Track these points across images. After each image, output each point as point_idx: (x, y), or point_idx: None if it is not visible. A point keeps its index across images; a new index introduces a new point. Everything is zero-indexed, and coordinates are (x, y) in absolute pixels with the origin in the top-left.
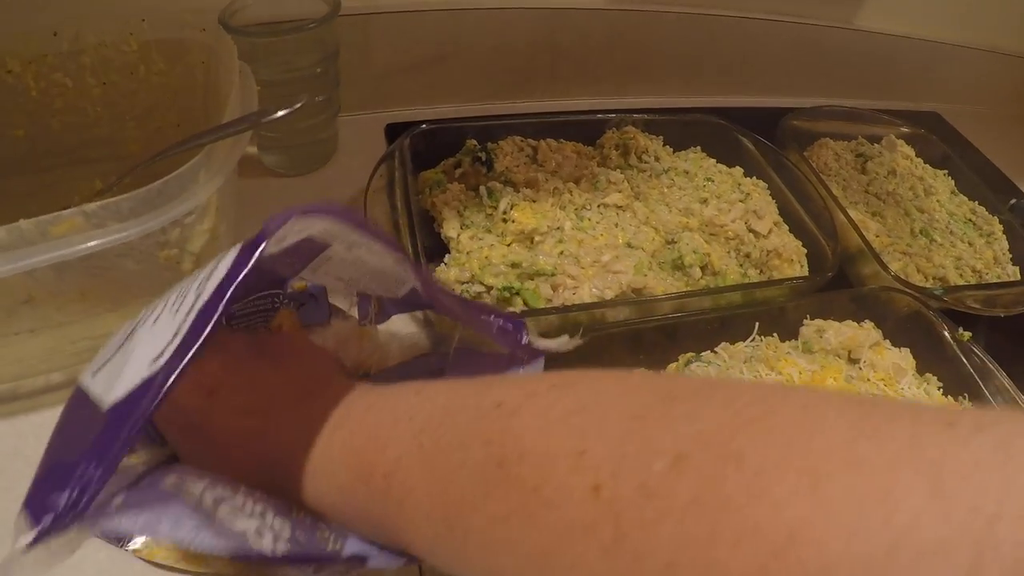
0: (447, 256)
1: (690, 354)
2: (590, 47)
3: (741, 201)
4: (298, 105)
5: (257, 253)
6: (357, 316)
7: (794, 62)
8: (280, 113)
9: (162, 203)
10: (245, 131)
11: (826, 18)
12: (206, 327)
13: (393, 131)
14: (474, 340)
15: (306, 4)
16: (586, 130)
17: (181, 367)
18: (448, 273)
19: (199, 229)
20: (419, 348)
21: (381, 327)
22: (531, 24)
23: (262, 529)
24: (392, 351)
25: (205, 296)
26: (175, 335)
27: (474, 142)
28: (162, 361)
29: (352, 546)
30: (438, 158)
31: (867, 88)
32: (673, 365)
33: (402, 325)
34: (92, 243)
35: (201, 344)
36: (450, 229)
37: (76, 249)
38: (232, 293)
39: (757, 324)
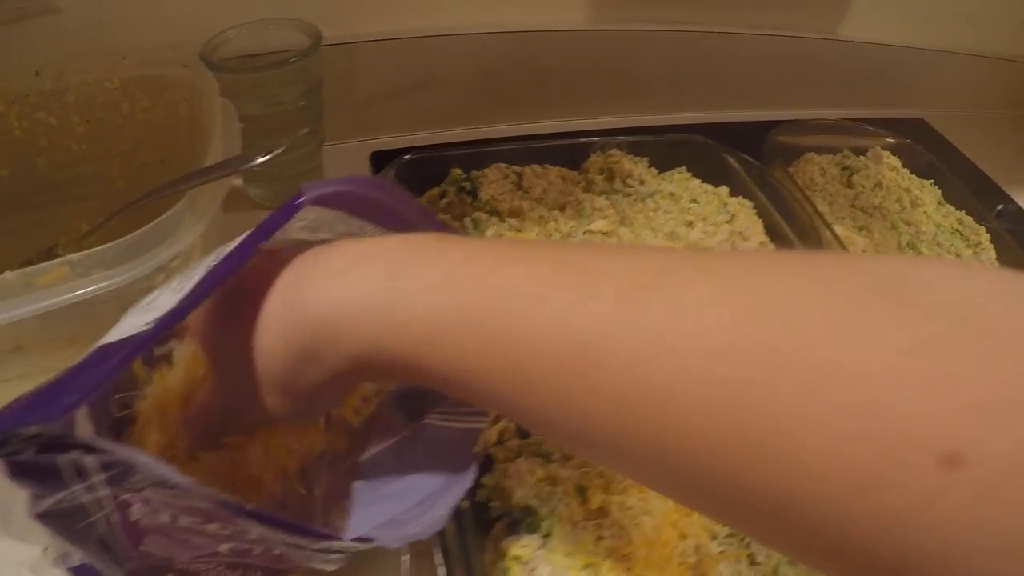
0: None
1: None
2: (574, 68)
3: (727, 223)
4: (279, 151)
5: (292, 210)
6: None
7: (780, 75)
8: (260, 159)
9: (146, 249)
10: (226, 176)
11: (811, 29)
12: (212, 285)
13: (378, 159)
14: None
15: (288, 35)
16: (571, 154)
17: (168, 320)
18: None
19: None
20: None
21: None
22: (514, 47)
23: None
24: None
25: (201, 270)
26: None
27: (459, 171)
28: (159, 315)
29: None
30: (424, 187)
31: (853, 98)
32: None
33: None
34: (77, 292)
35: (194, 303)
36: None
37: (61, 299)
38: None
39: None
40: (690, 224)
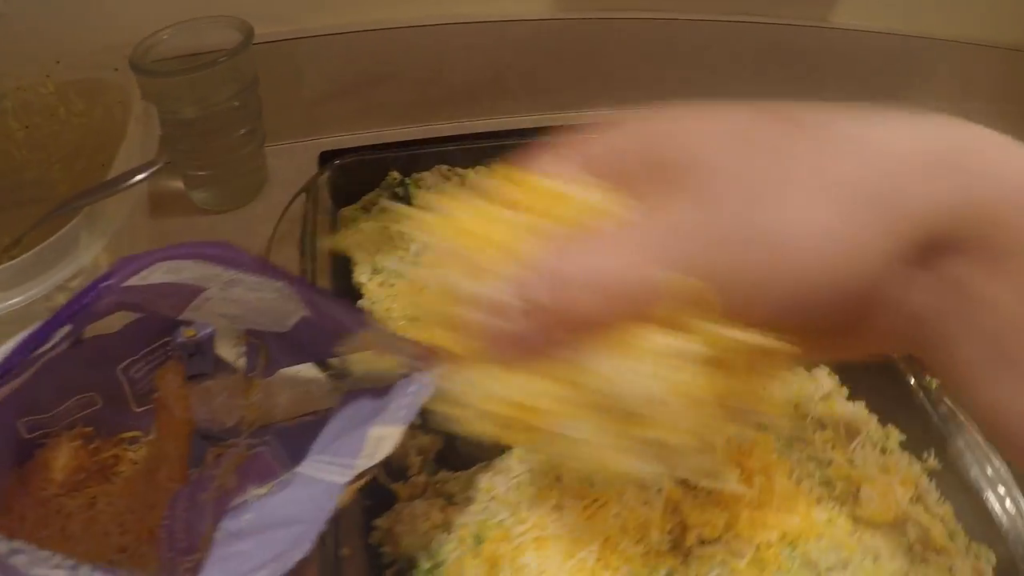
0: (359, 304)
1: None
2: (537, 60)
3: None
4: (155, 168)
5: (91, 294)
6: (245, 368)
7: (765, 66)
8: (138, 178)
9: (40, 271)
10: (109, 195)
11: (798, 17)
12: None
13: (327, 158)
14: (366, 378)
15: (224, 34)
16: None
17: None
18: None
19: None
20: (306, 406)
21: (269, 380)
22: (471, 39)
23: None
24: (279, 407)
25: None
26: None
27: (396, 174)
28: None
29: None
30: (365, 190)
31: (848, 91)
32: None
33: (291, 378)
34: None
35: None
36: (360, 274)
37: None
38: (41, 336)
39: None
40: None
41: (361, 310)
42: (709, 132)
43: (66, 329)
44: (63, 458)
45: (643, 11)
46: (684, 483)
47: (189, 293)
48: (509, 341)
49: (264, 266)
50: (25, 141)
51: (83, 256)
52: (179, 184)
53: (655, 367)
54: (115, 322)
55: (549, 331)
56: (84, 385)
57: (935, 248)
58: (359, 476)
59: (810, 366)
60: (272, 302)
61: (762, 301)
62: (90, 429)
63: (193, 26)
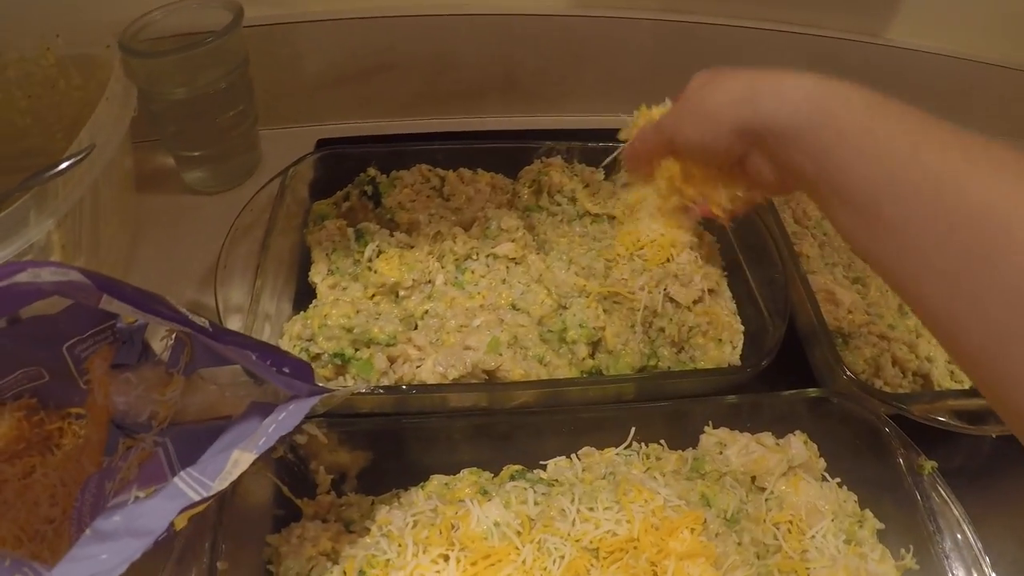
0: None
1: (514, 467)
2: (549, 58)
3: (665, 261)
4: (84, 155)
5: None
6: (167, 362)
7: None
8: (64, 165)
9: None
10: (43, 182)
11: (852, 30)
12: None
13: (325, 146)
14: (276, 393)
15: (215, 15)
16: (515, 157)
17: None
18: (293, 328)
19: None
20: (219, 409)
21: (190, 378)
22: (480, 32)
23: None
24: (193, 407)
25: None
26: None
27: (371, 171)
28: None
29: None
30: (338, 186)
31: None
32: (501, 474)
33: (208, 379)
34: None
35: None
36: (315, 274)
37: None
38: None
39: (633, 430)
40: (612, 261)
41: (229, 336)
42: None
43: None
44: (5, 426)
45: (668, 12)
46: (594, 552)
47: (91, 291)
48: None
49: (118, 290)
50: (28, 110)
51: (32, 233)
52: (171, 163)
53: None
54: (55, 304)
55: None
56: (28, 359)
57: (750, 135)
58: (208, 499)
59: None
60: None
61: (689, 142)
62: (34, 400)
63: (185, 7)
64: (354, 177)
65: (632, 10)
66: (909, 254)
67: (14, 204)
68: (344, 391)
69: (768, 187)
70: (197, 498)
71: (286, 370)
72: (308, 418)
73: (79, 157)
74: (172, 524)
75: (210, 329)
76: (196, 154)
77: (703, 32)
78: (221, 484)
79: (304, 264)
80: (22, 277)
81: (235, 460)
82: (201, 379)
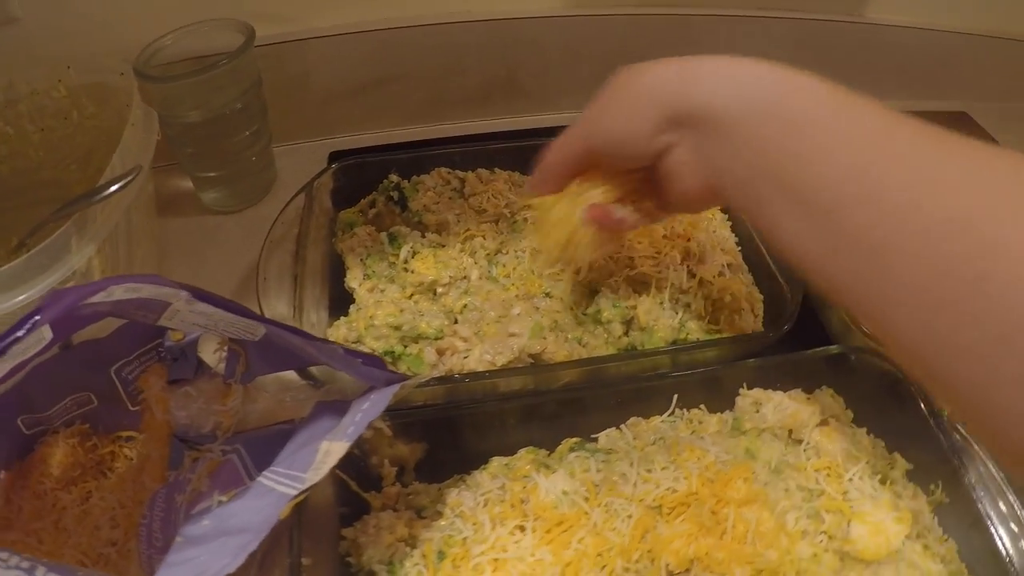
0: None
1: (573, 440)
2: (551, 59)
3: (686, 241)
4: (129, 180)
5: (20, 332)
6: (223, 373)
7: (795, 63)
8: (112, 189)
9: (33, 275)
10: (86, 207)
11: (830, 11)
12: None
13: (337, 159)
14: (340, 388)
15: (227, 36)
16: (530, 155)
17: None
18: (338, 332)
19: None
20: (281, 413)
21: (247, 386)
22: (481, 37)
23: None
24: (255, 414)
25: None
26: None
27: (393, 178)
28: None
29: None
30: (362, 194)
31: (882, 89)
32: (559, 448)
33: (268, 385)
34: None
35: None
36: (352, 279)
37: None
38: None
39: (675, 397)
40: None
41: (311, 337)
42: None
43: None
44: (60, 454)
45: (664, 7)
46: (657, 510)
47: (158, 306)
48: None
49: (203, 296)
50: (41, 143)
51: (75, 260)
52: (189, 185)
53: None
54: (104, 327)
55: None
56: (78, 385)
57: (679, 122)
58: (306, 490)
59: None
60: (232, 315)
61: (609, 135)
62: (87, 426)
63: (197, 30)
64: (374, 185)
65: (627, 7)
66: (873, 272)
67: (56, 231)
68: (417, 379)
69: (683, 197)
70: (293, 492)
71: (360, 361)
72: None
73: (126, 181)
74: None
75: (295, 329)
76: (213, 175)
77: (696, 24)
78: (316, 475)
79: (335, 272)
80: (100, 296)
81: (325, 451)
82: (258, 387)
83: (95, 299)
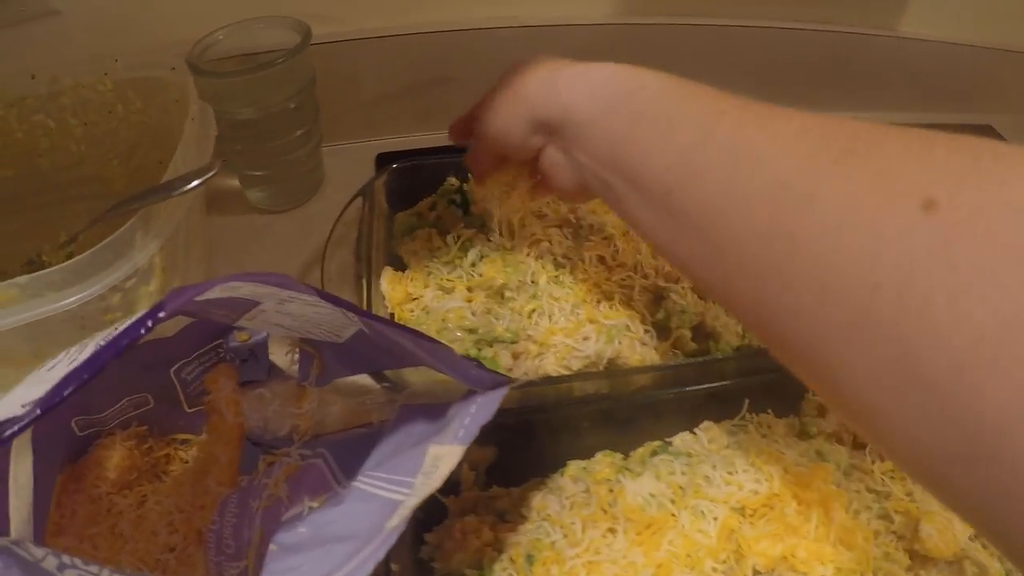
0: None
1: (655, 443)
2: None
3: None
4: (212, 173)
5: (143, 329)
6: (297, 376)
7: (829, 74)
8: (193, 184)
9: (96, 272)
10: (164, 198)
11: (865, 24)
12: (67, 388)
13: (384, 160)
14: (424, 392)
15: (280, 34)
16: None
17: (30, 420)
18: None
19: (143, 291)
20: (359, 417)
21: (322, 389)
22: (529, 43)
23: None
24: (331, 417)
25: (84, 356)
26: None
27: (453, 180)
28: (27, 408)
29: None
30: (419, 196)
31: (912, 101)
32: (639, 452)
33: (345, 388)
34: (28, 314)
35: (58, 402)
36: (414, 282)
37: (12, 320)
38: (103, 360)
39: (747, 401)
40: None
41: (424, 337)
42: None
43: None
44: (116, 457)
45: (706, 17)
46: (741, 511)
47: (244, 306)
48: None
49: (321, 295)
50: (84, 137)
51: (138, 257)
52: (235, 183)
53: None
54: (170, 327)
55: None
56: (136, 387)
57: (547, 126)
58: (424, 496)
59: None
60: (328, 315)
61: (489, 131)
62: (143, 428)
63: (250, 26)
64: (427, 187)
65: (669, 16)
66: (710, 248)
67: (118, 227)
68: (518, 382)
69: (561, 192)
70: (402, 497)
71: (474, 364)
72: None
73: (206, 177)
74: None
75: (408, 329)
76: (261, 173)
77: (736, 35)
78: (429, 480)
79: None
80: (214, 293)
81: (435, 455)
82: (333, 390)
83: (203, 297)
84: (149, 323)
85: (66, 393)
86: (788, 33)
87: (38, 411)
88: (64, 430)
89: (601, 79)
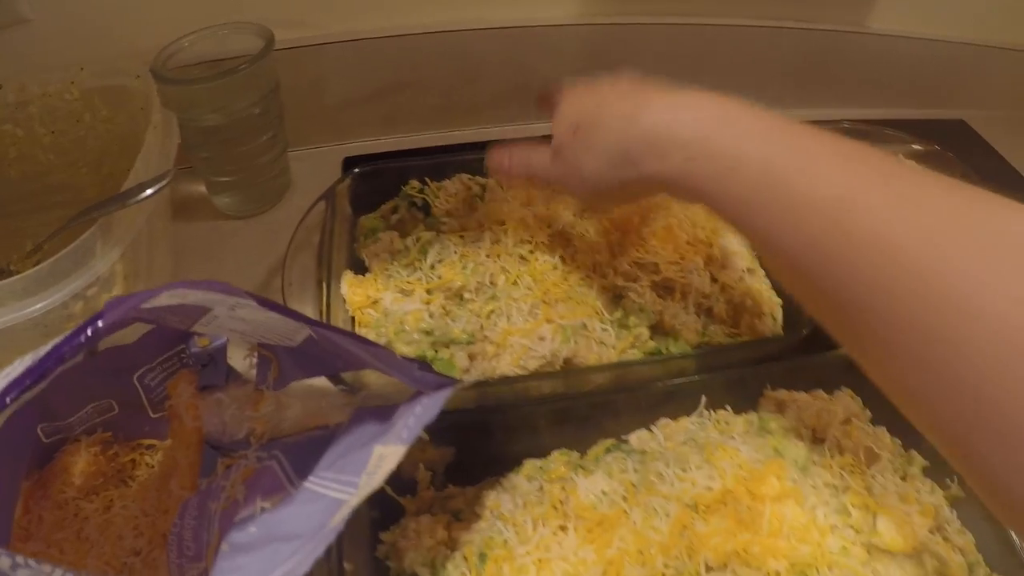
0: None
1: (609, 441)
2: (564, 67)
3: (709, 247)
4: (166, 181)
5: (83, 337)
6: (255, 380)
7: (801, 72)
8: (147, 193)
9: (57, 280)
10: (121, 207)
11: (835, 21)
12: (9, 395)
13: (351, 164)
14: (380, 394)
15: (245, 40)
16: None
17: None
18: (367, 336)
19: (105, 299)
20: (317, 419)
21: (279, 393)
22: (496, 45)
23: None
24: (289, 420)
25: (26, 363)
26: None
27: (415, 184)
28: None
29: None
30: (382, 200)
31: (884, 97)
32: (593, 450)
33: (302, 391)
34: None
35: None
36: (376, 285)
37: None
38: (44, 366)
39: (704, 399)
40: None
41: (368, 342)
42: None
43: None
44: (82, 462)
45: (673, 16)
46: (694, 508)
47: (196, 312)
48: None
49: (260, 302)
50: (51, 146)
51: (99, 265)
52: (202, 189)
53: None
54: (130, 333)
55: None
56: (100, 393)
57: (648, 188)
58: (365, 495)
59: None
60: (278, 321)
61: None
62: (108, 434)
63: (215, 33)
64: (392, 191)
65: (636, 15)
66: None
67: (78, 236)
68: (464, 382)
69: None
70: (346, 496)
71: (416, 366)
72: None
73: (161, 184)
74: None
75: (349, 333)
76: (228, 179)
77: (706, 33)
78: (372, 479)
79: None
80: (160, 300)
81: (379, 455)
82: (290, 394)
83: (148, 304)
84: (88, 332)
85: (8, 400)
86: (760, 31)
87: None
88: (30, 437)
89: (685, 141)
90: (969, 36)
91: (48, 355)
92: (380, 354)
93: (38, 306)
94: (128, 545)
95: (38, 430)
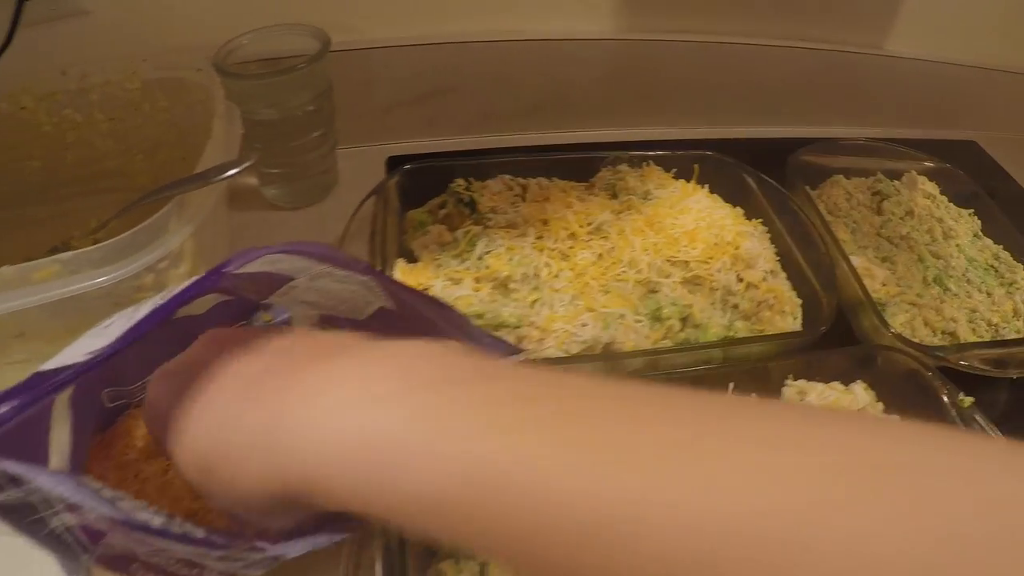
0: None
1: None
2: (596, 78)
3: (735, 249)
4: (248, 163)
5: (217, 279)
6: None
7: (819, 91)
8: (229, 173)
9: (132, 252)
10: (200, 187)
11: (855, 44)
12: (135, 335)
13: (394, 163)
14: None
15: (301, 41)
16: (583, 167)
17: (98, 360)
18: None
19: (174, 273)
20: None
21: None
22: (534, 56)
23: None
24: None
25: (145, 310)
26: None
27: (461, 182)
28: (91, 355)
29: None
30: (427, 196)
31: (899, 118)
32: None
33: None
34: (67, 290)
35: (122, 348)
36: (425, 274)
37: (53, 294)
38: (170, 308)
39: (732, 385)
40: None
41: (446, 305)
42: None
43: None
44: (143, 428)
45: (702, 34)
46: None
47: (278, 281)
48: None
49: (359, 265)
50: (109, 133)
51: (171, 241)
52: (253, 180)
53: None
54: (201, 304)
55: None
56: (164, 361)
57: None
58: None
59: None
60: (354, 292)
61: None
62: None
63: (273, 32)
64: (436, 188)
65: (666, 32)
66: None
67: (154, 213)
68: (526, 353)
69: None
70: None
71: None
72: None
73: (242, 167)
74: None
75: (436, 301)
76: (279, 172)
77: (731, 52)
78: None
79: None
80: (263, 262)
81: None
82: None
83: (243, 270)
84: (216, 277)
85: (144, 330)
86: (779, 51)
87: (105, 355)
88: (95, 401)
89: (338, 435)
90: (981, 60)
91: (174, 299)
92: (455, 318)
93: (112, 276)
94: (185, 507)
95: (103, 395)
